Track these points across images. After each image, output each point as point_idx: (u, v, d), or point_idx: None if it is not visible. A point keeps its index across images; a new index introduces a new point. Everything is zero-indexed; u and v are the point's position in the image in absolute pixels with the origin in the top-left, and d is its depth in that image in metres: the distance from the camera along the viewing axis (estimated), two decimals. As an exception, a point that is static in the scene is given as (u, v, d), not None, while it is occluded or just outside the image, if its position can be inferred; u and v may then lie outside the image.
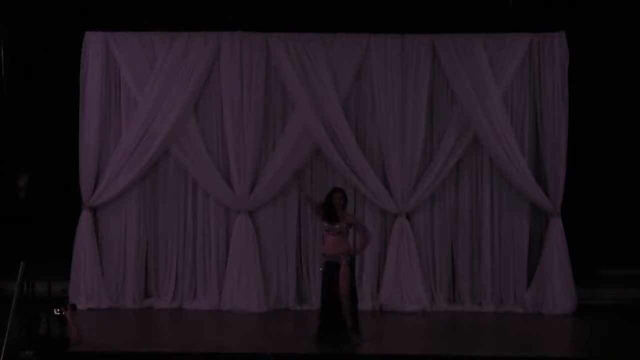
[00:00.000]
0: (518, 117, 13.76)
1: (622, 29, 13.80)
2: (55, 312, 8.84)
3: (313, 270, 13.82)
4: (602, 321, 13.10)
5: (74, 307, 9.09)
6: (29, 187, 13.89)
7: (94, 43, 13.67)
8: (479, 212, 13.84)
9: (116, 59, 13.72)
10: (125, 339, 11.66)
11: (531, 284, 13.70)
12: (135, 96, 13.69)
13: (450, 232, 13.89)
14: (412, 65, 13.71)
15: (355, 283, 11.37)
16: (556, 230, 13.56)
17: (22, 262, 10.32)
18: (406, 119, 13.68)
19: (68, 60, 13.68)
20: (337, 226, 11.18)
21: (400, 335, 12.31)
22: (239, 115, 13.68)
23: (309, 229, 13.88)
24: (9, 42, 14.04)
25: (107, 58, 13.71)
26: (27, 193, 13.90)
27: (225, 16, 13.66)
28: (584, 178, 13.81)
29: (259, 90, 13.69)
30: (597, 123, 13.90)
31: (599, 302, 13.78)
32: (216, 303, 13.67)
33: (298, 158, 13.69)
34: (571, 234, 13.59)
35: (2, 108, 14.05)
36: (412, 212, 13.81)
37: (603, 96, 13.88)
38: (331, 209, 11.23)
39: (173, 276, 13.85)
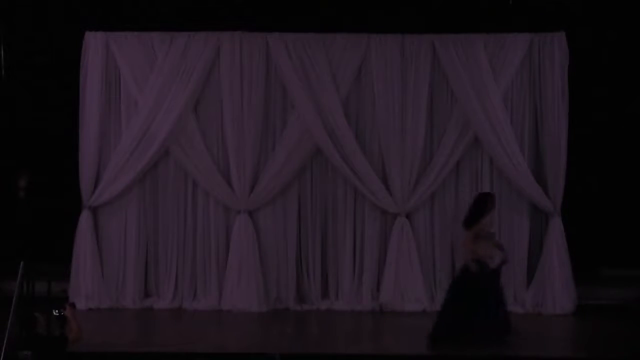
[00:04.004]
0: (518, 117, 13.75)
1: (622, 29, 13.80)
2: (55, 313, 8.84)
3: (313, 270, 13.84)
4: (602, 321, 13.10)
5: (73, 305, 9.10)
6: (29, 187, 13.89)
7: (94, 43, 13.66)
8: (479, 212, 13.82)
9: (116, 59, 13.71)
10: (125, 339, 11.66)
11: (531, 284, 13.69)
12: (135, 96, 13.68)
13: (450, 232, 13.88)
14: (412, 65, 13.70)
15: None
16: (556, 230, 13.55)
17: (22, 262, 10.35)
18: (406, 119, 13.68)
19: (68, 60, 13.67)
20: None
21: (400, 335, 12.30)
22: (239, 115, 13.67)
23: (309, 229, 13.88)
24: (9, 42, 14.04)
25: (107, 58, 13.70)
26: (27, 193, 13.90)
27: (225, 16, 13.66)
28: (584, 178, 13.81)
29: (259, 90, 13.69)
30: (597, 123, 13.89)
31: (599, 302, 13.77)
32: (216, 303, 13.66)
33: (298, 158, 13.71)
34: (571, 234, 13.59)
35: (2, 108, 14.05)
36: (412, 212, 13.80)
37: (603, 96, 13.87)
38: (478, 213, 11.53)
39: (173, 276, 13.83)
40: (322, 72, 13.62)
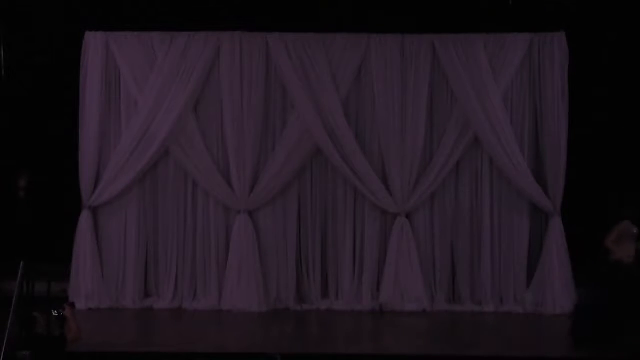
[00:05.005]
0: (518, 117, 13.75)
1: (622, 29, 13.79)
2: (54, 313, 8.84)
3: (313, 270, 13.84)
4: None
5: (72, 305, 9.11)
6: (29, 187, 13.89)
7: (94, 43, 13.67)
8: (479, 212, 13.82)
9: (116, 59, 13.71)
10: (125, 339, 11.67)
11: (531, 284, 13.69)
12: (135, 96, 13.69)
13: (450, 232, 13.88)
14: (412, 65, 13.70)
15: None
16: (556, 230, 13.56)
17: (22, 262, 10.35)
18: (406, 119, 13.68)
19: (68, 60, 13.68)
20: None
21: (400, 335, 12.31)
22: (239, 115, 13.68)
23: (309, 229, 13.87)
24: (9, 42, 14.04)
25: (107, 58, 13.70)
26: (27, 193, 13.90)
27: (225, 16, 13.66)
28: (584, 178, 13.80)
29: (259, 90, 13.69)
30: (597, 123, 13.89)
31: (599, 302, 13.75)
32: (216, 303, 13.66)
33: (298, 158, 13.71)
34: (571, 234, 13.58)
35: (2, 108, 14.05)
36: (412, 212, 13.80)
37: (603, 96, 13.86)
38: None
39: (173, 276, 13.84)
40: (322, 72, 13.63)
